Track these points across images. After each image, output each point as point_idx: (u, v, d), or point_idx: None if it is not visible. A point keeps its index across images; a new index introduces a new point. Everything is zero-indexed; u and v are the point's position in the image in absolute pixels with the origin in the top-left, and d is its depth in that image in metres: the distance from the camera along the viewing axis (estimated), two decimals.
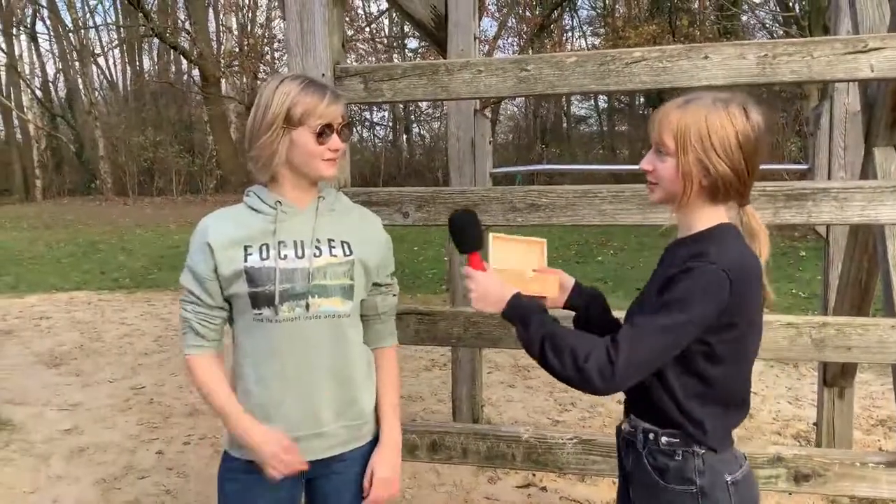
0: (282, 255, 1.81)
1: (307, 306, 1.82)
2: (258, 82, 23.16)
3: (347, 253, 1.87)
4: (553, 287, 1.83)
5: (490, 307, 1.65)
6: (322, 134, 1.80)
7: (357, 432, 1.95)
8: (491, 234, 1.82)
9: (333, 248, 1.87)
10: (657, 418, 1.59)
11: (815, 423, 4.22)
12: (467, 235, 1.74)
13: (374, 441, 1.99)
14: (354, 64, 2.86)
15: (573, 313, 1.89)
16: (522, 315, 1.59)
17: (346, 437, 1.93)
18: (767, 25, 15.98)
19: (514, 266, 1.80)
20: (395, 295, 2.06)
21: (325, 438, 1.90)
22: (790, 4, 14.91)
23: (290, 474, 1.83)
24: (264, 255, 1.81)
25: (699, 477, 1.55)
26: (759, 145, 1.52)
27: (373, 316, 2.00)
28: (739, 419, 1.63)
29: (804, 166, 4.52)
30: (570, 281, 1.86)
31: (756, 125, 1.52)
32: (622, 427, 1.73)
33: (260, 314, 1.81)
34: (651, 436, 1.59)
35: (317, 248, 1.85)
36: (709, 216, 1.57)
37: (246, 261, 1.79)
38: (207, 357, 1.87)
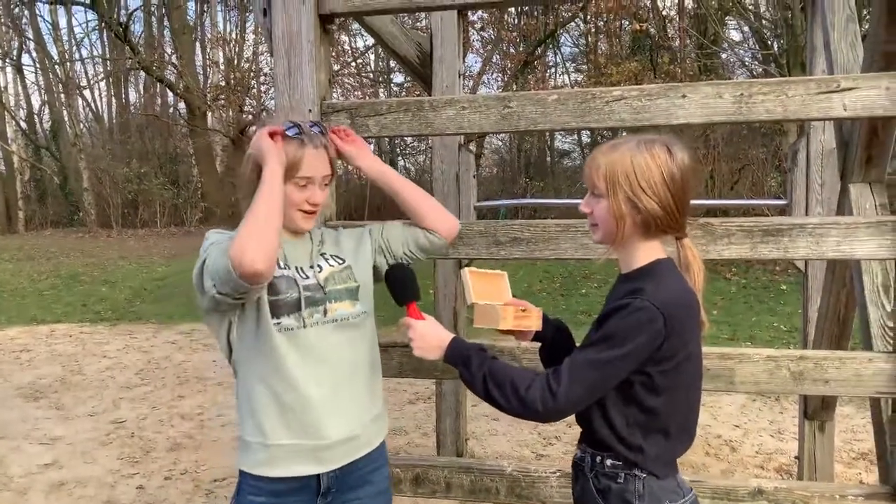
0: (294, 269, 1.88)
1: (325, 311, 1.88)
2: (244, 115, 23.24)
3: (341, 261, 1.97)
4: (538, 320, 1.90)
5: (431, 353, 1.73)
6: (304, 187, 1.85)
7: (381, 425, 2.03)
8: (463, 271, 1.89)
9: (328, 260, 1.96)
10: (601, 444, 1.64)
11: (796, 457, 4.24)
12: (406, 287, 1.80)
13: (385, 462, 2.06)
14: (341, 100, 2.90)
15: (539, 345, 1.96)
16: (464, 357, 1.66)
17: (372, 433, 1.99)
18: (747, 63, 16.25)
19: (492, 299, 1.86)
20: (392, 225, 2.13)
21: (357, 439, 1.94)
22: (769, 43, 15.18)
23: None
24: (281, 265, 1.86)
25: (638, 500, 1.60)
26: (685, 182, 1.60)
27: (411, 232, 2.09)
28: (683, 448, 1.67)
29: (784, 202, 4.59)
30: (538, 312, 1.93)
31: (680, 163, 1.59)
32: (574, 456, 1.77)
33: (279, 323, 1.82)
34: (598, 459, 1.65)
35: (317, 265, 1.93)
36: (645, 252, 1.64)
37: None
38: None
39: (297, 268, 1.90)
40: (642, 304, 1.50)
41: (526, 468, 2.45)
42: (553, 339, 1.92)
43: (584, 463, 1.70)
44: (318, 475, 1.88)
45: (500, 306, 1.83)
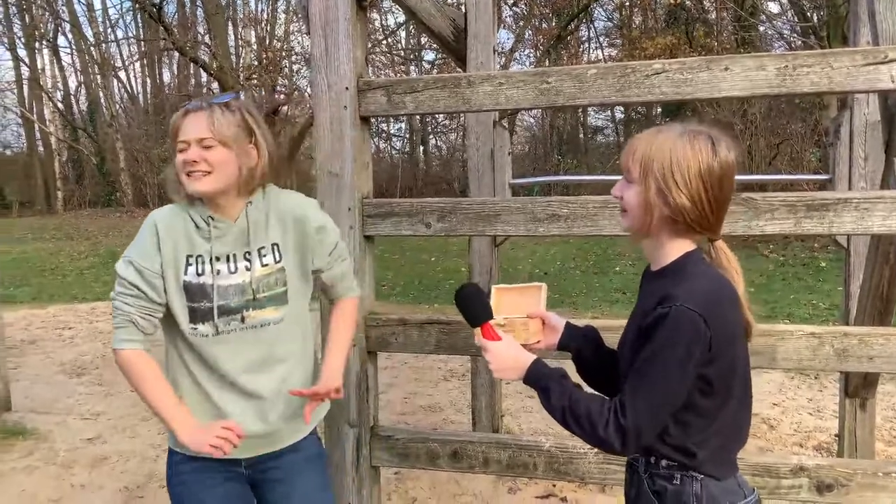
0: (216, 271, 1.88)
1: (242, 319, 1.91)
2: (276, 95, 23.34)
3: (277, 259, 1.95)
4: (537, 331, 1.84)
5: (509, 376, 1.68)
6: (181, 151, 1.85)
7: (298, 425, 2.04)
8: (492, 287, 1.90)
9: (264, 256, 1.93)
10: (650, 449, 1.58)
11: (836, 435, 4.19)
12: (476, 308, 1.74)
13: (313, 434, 2.12)
14: (377, 77, 2.89)
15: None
16: (543, 386, 1.61)
17: (286, 432, 2.03)
18: (785, 36, 15.92)
19: (514, 313, 1.83)
20: (344, 260, 2.14)
21: (269, 437, 2.00)
22: (808, 15, 14.86)
23: (230, 449, 1.84)
24: (199, 269, 1.87)
25: (696, 502, 1.54)
26: (723, 180, 1.51)
27: (330, 286, 2.12)
28: (738, 446, 1.62)
29: (825, 177, 4.50)
30: (560, 323, 1.86)
31: (723, 160, 1.51)
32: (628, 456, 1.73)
33: (195, 329, 1.88)
34: (652, 459, 1.60)
35: (248, 260, 1.92)
36: (675, 248, 1.57)
37: (186, 273, 1.86)
38: (142, 352, 1.89)
39: (228, 256, 1.90)
40: (679, 312, 1.44)
41: (564, 444, 2.45)
42: (579, 351, 1.84)
43: (637, 464, 1.65)
44: None
45: (495, 323, 1.78)
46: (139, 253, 1.85)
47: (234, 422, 1.85)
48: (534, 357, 1.67)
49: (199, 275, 1.87)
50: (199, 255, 1.87)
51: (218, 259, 1.89)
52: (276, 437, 2.02)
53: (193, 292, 1.86)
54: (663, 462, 1.57)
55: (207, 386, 1.92)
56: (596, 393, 1.64)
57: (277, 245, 1.96)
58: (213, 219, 1.88)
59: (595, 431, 1.49)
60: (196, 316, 1.88)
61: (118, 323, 1.87)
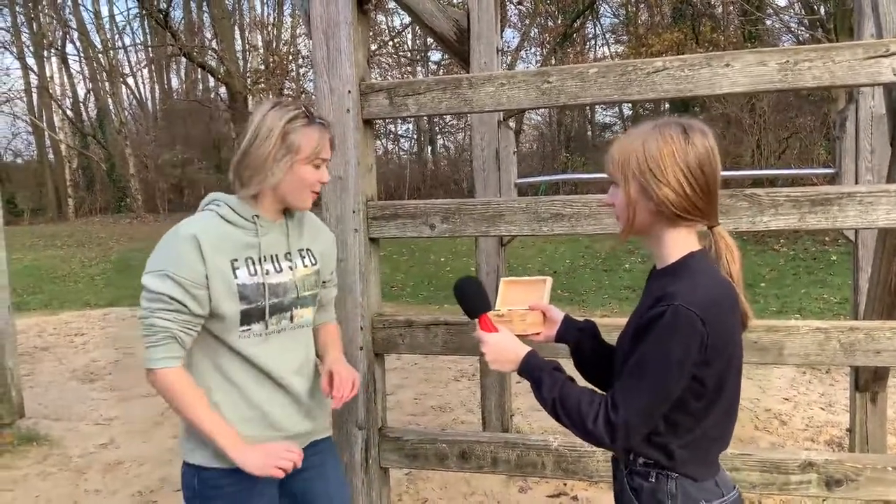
0: (265, 271, 1.90)
1: (291, 318, 1.96)
2: (284, 98, 23.40)
3: (313, 262, 2.03)
4: (535, 323, 1.86)
5: (505, 367, 1.71)
6: (318, 168, 1.91)
7: (326, 424, 2.12)
8: (501, 280, 1.95)
9: (304, 258, 2.01)
10: (634, 443, 1.57)
11: (848, 429, 4.18)
12: (475, 300, 1.78)
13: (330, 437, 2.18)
14: (379, 80, 2.91)
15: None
16: (535, 377, 1.63)
17: (319, 430, 2.09)
18: (793, 29, 15.84)
19: (517, 305, 1.88)
20: (335, 285, 2.21)
21: (306, 436, 2.05)
22: (815, 7, 14.78)
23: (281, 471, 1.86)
24: (252, 270, 1.88)
25: (671, 500, 1.54)
26: (703, 166, 1.50)
27: (319, 307, 2.14)
28: (719, 448, 1.61)
29: (832, 170, 4.49)
30: (559, 315, 1.88)
31: (698, 146, 1.50)
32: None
33: (248, 329, 1.88)
34: (631, 456, 1.60)
35: (290, 260, 1.97)
36: (675, 244, 1.56)
37: (236, 277, 1.85)
38: (184, 370, 1.86)
39: (272, 256, 1.93)
40: (677, 311, 1.43)
41: (572, 443, 2.46)
42: (577, 343, 1.85)
43: (619, 458, 1.66)
44: None
45: (495, 314, 1.81)
46: (177, 265, 1.79)
47: (291, 444, 1.89)
48: (529, 349, 1.69)
49: (251, 275, 1.88)
50: (249, 257, 1.88)
51: (264, 258, 1.92)
52: (310, 436, 2.06)
53: (248, 293, 1.87)
54: (640, 460, 1.58)
55: (247, 389, 1.91)
56: (588, 386, 1.64)
57: (311, 250, 2.04)
58: (258, 217, 1.91)
59: (584, 425, 1.50)
60: (249, 317, 1.88)
61: (156, 341, 1.80)
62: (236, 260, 1.86)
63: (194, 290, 1.80)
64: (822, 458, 2.25)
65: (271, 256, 1.93)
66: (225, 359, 1.91)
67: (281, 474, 1.84)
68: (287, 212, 1.99)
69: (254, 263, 1.89)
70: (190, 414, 1.82)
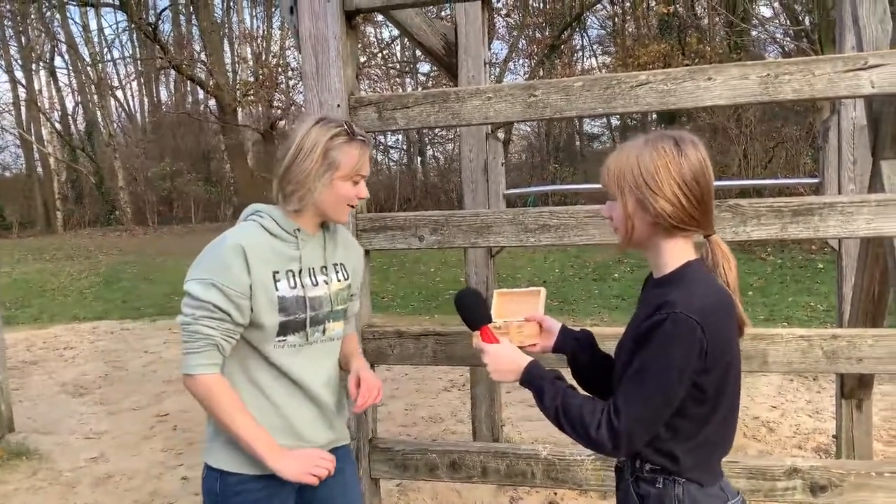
0: (304, 284, 1.93)
1: (324, 330, 1.98)
2: (274, 110, 23.42)
3: (346, 276, 2.06)
4: (532, 334, 1.89)
5: (507, 378, 1.73)
6: (357, 183, 1.94)
7: (346, 433, 2.15)
8: (494, 292, 1.97)
9: (338, 272, 2.04)
10: (636, 453, 1.61)
11: (834, 436, 4.21)
12: (475, 312, 1.80)
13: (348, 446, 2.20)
14: (368, 94, 2.94)
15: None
16: (537, 386, 1.66)
17: (341, 438, 2.12)
18: (778, 39, 15.99)
19: (513, 316, 1.90)
20: (358, 298, 2.23)
21: (330, 444, 2.06)
22: (800, 19, 14.93)
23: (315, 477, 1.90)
24: (292, 283, 1.91)
25: None
26: (697, 177, 1.54)
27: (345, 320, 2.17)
28: (723, 453, 1.64)
29: (817, 180, 4.54)
30: (555, 326, 1.90)
31: (691, 158, 1.54)
32: (617, 460, 1.75)
33: (283, 340, 1.91)
34: (637, 463, 1.62)
35: (325, 274, 2.00)
36: (672, 254, 1.60)
37: (277, 289, 1.88)
38: (222, 377, 1.88)
39: (310, 270, 1.96)
40: (677, 318, 1.45)
41: (561, 452, 2.48)
42: (574, 354, 1.88)
43: (624, 466, 1.68)
44: None
45: (493, 327, 1.83)
46: (223, 275, 1.81)
47: (324, 451, 1.95)
48: (530, 359, 1.71)
49: (291, 287, 1.91)
50: (290, 270, 1.91)
51: (303, 272, 1.95)
52: (330, 444, 2.08)
53: (287, 305, 1.89)
54: (647, 466, 1.60)
55: (277, 398, 1.94)
56: (590, 395, 1.67)
57: (344, 265, 2.07)
58: (299, 230, 1.94)
59: (587, 433, 1.53)
60: (286, 328, 1.90)
61: (197, 347, 1.84)
62: (277, 272, 1.89)
63: (238, 300, 1.83)
64: (807, 465, 2.28)
65: (309, 269, 1.96)
66: (257, 367, 1.93)
67: (315, 481, 1.87)
68: (324, 225, 2.02)
69: (294, 276, 1.92)
70: (227, 419, 1.84)
